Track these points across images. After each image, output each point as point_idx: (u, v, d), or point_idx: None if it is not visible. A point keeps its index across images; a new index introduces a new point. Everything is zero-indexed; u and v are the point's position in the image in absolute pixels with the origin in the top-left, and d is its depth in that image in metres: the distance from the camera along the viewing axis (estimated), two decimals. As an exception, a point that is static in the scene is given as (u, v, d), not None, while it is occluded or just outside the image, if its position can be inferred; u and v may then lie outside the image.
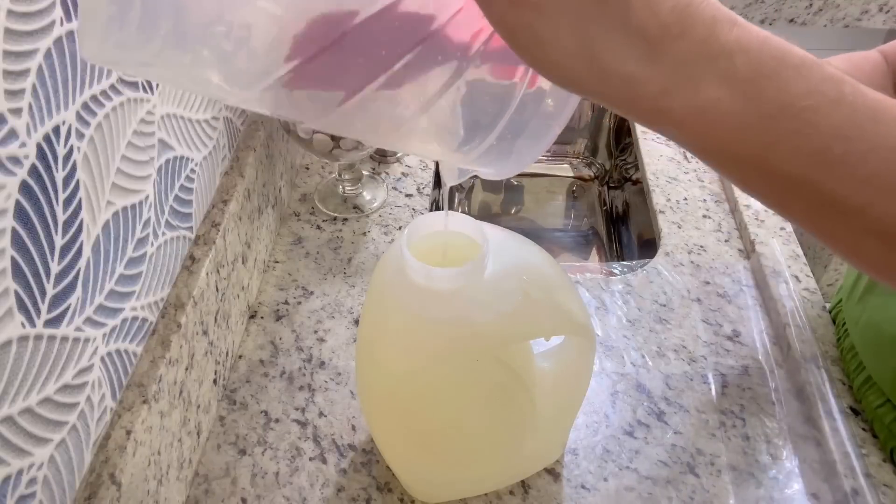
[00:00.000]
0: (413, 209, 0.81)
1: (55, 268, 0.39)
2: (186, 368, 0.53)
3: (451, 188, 0.97)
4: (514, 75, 0.29)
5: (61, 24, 0.38)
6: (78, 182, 0.41)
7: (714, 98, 0.24)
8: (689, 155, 0.88)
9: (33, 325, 0.37)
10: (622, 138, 1.02)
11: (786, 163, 0.25)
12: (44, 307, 0.38)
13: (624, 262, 0.76)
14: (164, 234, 0.53)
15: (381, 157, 0.87)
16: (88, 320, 0.43)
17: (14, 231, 0.35)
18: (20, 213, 0.36)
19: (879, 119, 0.25)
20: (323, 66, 0.27)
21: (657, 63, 0.24)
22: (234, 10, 0.26)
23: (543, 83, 0.30)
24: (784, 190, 0.26)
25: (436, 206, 0.84)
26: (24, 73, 0.35)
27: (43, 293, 0.38)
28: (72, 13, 0.39)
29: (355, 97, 0.28)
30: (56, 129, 0.38)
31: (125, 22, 0.24)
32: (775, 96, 0.24)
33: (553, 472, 0.56)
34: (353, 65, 0.27)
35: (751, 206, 0.78)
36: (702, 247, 0.76)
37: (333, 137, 0.69)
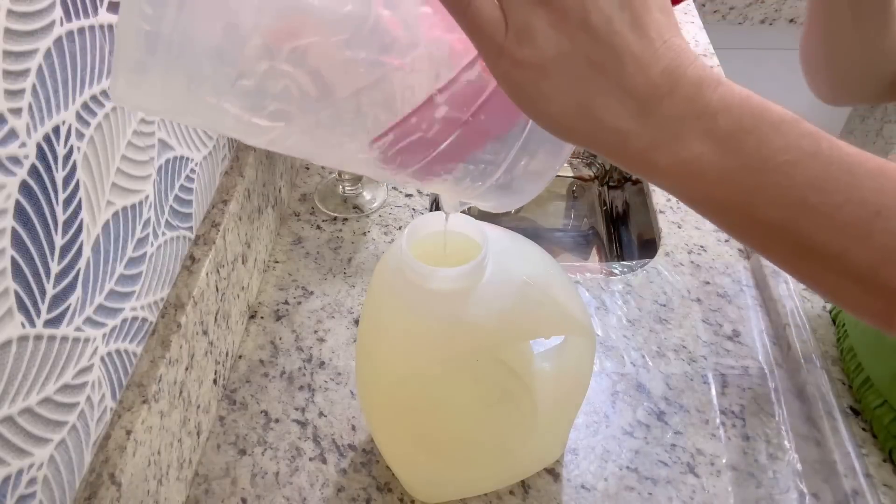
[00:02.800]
0: (413, 209, 0.81)
1: (55, 268, 0.39)
2: (186, 368, 0.53)
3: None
4: (514, 121, 0.31)
5: (61, 24, 0.38)
6: (78, 182, 0.41)
7: (698, 152, 0.26)
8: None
9: (33, 325, 0.37)
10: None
11: (767, 211, 0.27)
12: (44, 307, 0.38)
13: (624, 262, 0.76)
14: (164, 234, 0.53)
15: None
16: (88, 320, 0.43)
17: (14, 231, 0.35)
18: (20, 213, 0.36)
19: (854, 172, 0.26)
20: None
21: (647, 119, 0.26)
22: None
23: None
24: (767, 235, 0.28)
25: (436, 205, 0.84)
26: (24, 73, 0.35)
27: (43, 293, 0.38)
28: (72, 13, 0.39)
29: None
30: (56, 129, 0.38)
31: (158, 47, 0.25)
32: (755, 150, 0.26)
33: (553, 472, 0.56)
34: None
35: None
36: (702, 247, 0.76)
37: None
